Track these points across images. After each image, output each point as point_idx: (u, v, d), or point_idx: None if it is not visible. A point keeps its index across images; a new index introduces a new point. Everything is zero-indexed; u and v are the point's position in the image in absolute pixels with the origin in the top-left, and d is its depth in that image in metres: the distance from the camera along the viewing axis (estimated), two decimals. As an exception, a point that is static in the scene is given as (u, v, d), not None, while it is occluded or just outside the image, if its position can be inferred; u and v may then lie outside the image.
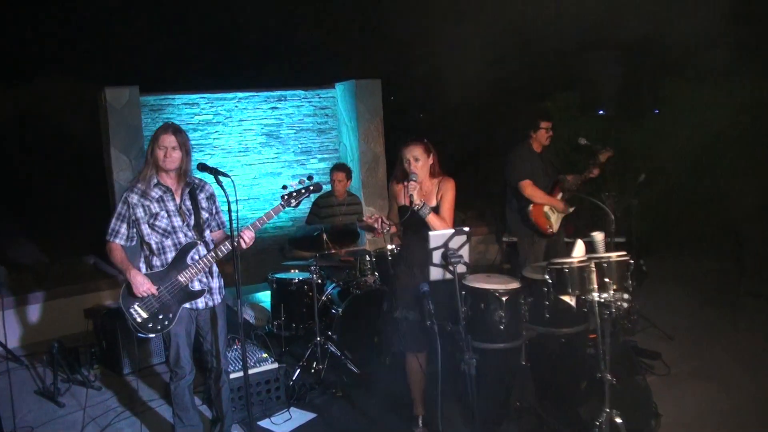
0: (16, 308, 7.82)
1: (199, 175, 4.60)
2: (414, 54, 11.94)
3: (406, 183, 4.76)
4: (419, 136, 4.99)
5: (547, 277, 4.59)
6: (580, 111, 10.47)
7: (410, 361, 5.04)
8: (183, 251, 4.49)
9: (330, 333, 6.57)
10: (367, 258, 6.94)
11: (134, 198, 4.43)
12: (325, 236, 6.49)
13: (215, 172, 4.35)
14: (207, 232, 4.63)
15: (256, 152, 9.60)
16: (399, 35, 11.16)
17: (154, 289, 4.39)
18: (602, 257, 4.44)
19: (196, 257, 4.53)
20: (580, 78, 10.45)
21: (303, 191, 4.60)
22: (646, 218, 7.70)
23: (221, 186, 4.28)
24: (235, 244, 4.28)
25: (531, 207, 6.66)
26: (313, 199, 7.66)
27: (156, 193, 4.46)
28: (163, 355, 6.81)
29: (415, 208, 4.70)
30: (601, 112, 11.20)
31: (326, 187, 7.87)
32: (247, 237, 4.48)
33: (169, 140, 4.38)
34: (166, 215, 4.46)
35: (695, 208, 9.76)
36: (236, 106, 9.45)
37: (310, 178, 4.63)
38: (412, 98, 13.92)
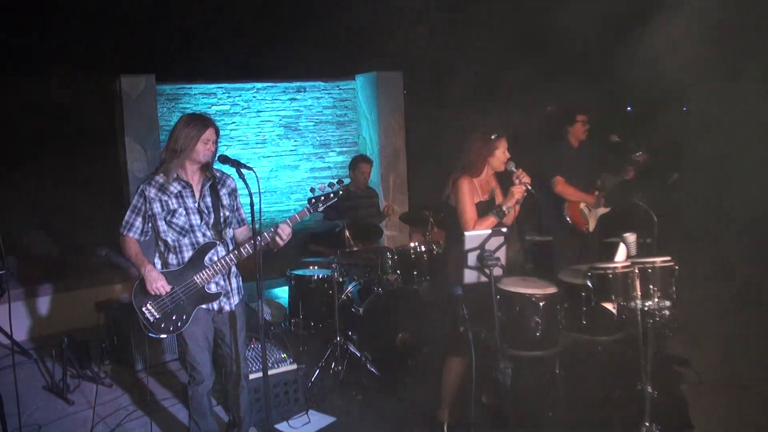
0: (25, 300, 7.65)
1: (219, 167, 4.39)
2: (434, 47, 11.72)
3: (517, 170, 4.66)
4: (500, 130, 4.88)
5: (588, 282, 4.38)
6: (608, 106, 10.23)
7: (452, 362, 4.87)
8: (200, 251, 4.28)
9: (350, 333, 6.38)
10: (389, 256, 6.73)
11: (151, 192, 4.23)
12: (347, 232, 6.30)
13: (237, 164, 4.16)
14: (228, 231, 4.41)
15: (274, 144, 9.44)
16: (422, 27, 10.94)
17: (167, 287, 4.20)
18: (646, 262, 4.25)
19: (215, 258, 4.32)
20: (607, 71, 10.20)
21: (332, 195, 4.38)
22: (675, 218, 7.48)
23: (243, 179, 4.11)
24: (259, 241, 4.08)
25: (567, 204, 6.50)
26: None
27: (175, 187, 4.25)
28: (176, 352, 6.65)
29: (529, 192, 4.65)
30: (629, 108, 10.98)
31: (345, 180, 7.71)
32: (284, 234, 4.28)
33: (211, 134, 4.21)
34: (184, 212, 4.25)
35: (726, 209, 9.51)
36: (254, 97, 9.29)
37: (340, 182, 4.43)
38: (430, 91, 13.69)
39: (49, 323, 7.70)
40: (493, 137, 4.77)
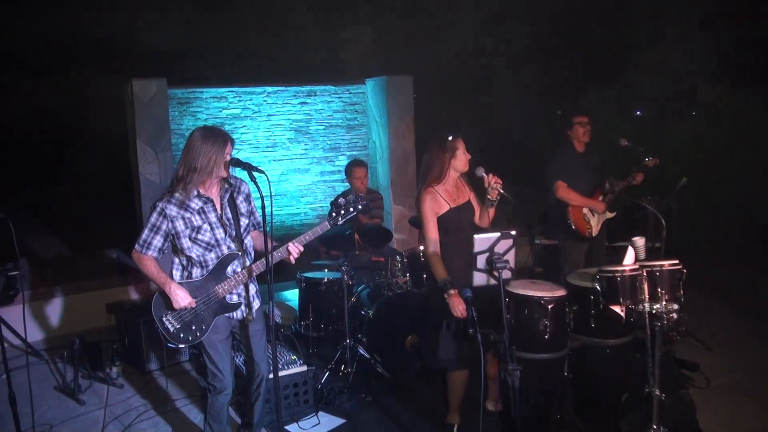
0: (37, 302, 7.70)
1: (230, 171, 4.39)
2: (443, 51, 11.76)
3: (487, 176, 4.63)
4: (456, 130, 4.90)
5: (596, 285, 4.39)
6: (617, 110, 10.23)
7: (453, 376, 4.89)
8: (223, 263, 4.25)
9: (359, 335, 6.39)
10: (398, 259, 6.75)
11: (173, 210, 4.14)
12: (357, 236, 6.32)
13: (249, 167, 4.13)
14: (247, 239, 4.42)
15: (285, 148, 9.46)
16: (431, 31, 10.99)
17: (194, 303, 4.19)
18: (654, 265, 4.25)
19: (238, 269, 4.31)
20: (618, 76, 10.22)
21: (351, 210, 4.42)
22: (683, 223, 7.47)
23: (255, 183, 4.10)
24: (270, 244, 4.08)
25: (570, 209, 6.50)
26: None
27: (196, 204, 4.18)
28: (188, 353, 6.67)
29: (502, 196, 4.65)
30: (638, 112, 10.97)
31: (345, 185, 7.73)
32: (295, 252, 4.31)
33: (230, 148, 4.18)
34: (209, 228, 4.20)
35: (734, 213, 9.50)
36: (265, 101, 9.31)
37: (359, 198, 4.47)
38: (439, 95, 13.72)
39: (61, 325, 7.75)
40: (450, 138, 4.79)
